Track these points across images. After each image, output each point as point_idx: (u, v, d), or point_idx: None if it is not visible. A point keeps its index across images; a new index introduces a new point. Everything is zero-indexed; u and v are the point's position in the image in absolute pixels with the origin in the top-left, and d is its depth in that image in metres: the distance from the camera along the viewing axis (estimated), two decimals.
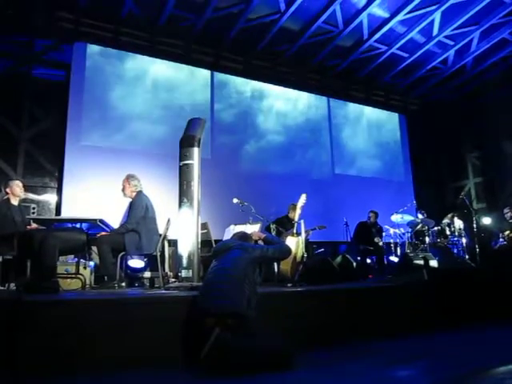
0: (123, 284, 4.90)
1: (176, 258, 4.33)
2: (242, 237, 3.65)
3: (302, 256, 5.16)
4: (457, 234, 7.60)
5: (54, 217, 6.97)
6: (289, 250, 3.69)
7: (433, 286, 4.47)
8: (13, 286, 4.40)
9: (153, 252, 4.90)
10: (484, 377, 2.66)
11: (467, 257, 7.36)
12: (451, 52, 9.60)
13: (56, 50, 8.05)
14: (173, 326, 3.02)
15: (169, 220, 5.06)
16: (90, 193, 7.13)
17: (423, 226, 7.72)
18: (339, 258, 5.76)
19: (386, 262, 7.68)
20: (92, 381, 2.62)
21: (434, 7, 8.16)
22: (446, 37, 9.06)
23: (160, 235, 5.01)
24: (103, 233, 4.84)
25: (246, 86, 9.43)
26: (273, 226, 6.19)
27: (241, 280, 3.05)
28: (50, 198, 7.63)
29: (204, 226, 5.35)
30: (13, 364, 2.61)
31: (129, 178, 5.06)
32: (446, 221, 7.92)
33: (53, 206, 7.61)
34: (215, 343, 2.77)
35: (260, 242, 3.80)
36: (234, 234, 3.77)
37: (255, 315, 3.02)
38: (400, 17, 8.30)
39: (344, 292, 4.11)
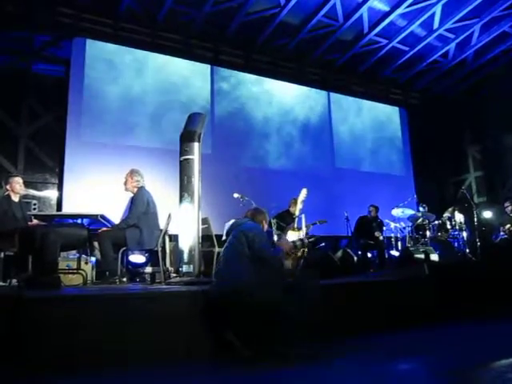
0: (124, 279, 4.90)
1: (177, 252, 4.35)
2: (252, 214, 3.60)
3: (303, 250, 5.16)
4: (457, 227, 7.58)
5: (54, 213, 6.97)
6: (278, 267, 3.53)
7: (433, 280, 4.49)
8: (14, 282, 4.42)
9: (154, 247, 4.91)
10: (485, 370, 2.67)
11: (468, 251, 7.35)
12: (452, 45, 9.56)
13: (55, 45, 8.01)
14: (174, 320, 3.04)
15: (170, 215, 5.07)
16: (91, 188, 7.12)
17: (424, 220, 7.71)
18: (340, 253, 5.77)
19: (386, 257, 7.68)
20: (93, 376, 2.63)
21: (434, 0, 8.12)
22: (446, 30, 9.02)
23: (161, 230, 5.02)
24: (104, 228, 4.85)
25: (246, 80, 9.39)
26: (274, 221, 6.16)
27: (240, 255, 3.15)
28: (51, 193, 7.62)
29: (205, 220, 5.35)
30: (14, 360, 2.62)
31: (133, 172, 5.07)
32: (446, 215, 7.90)
33: (54, 201, 7.60)
34: (219, 332, 2.88)
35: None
36: (248, 211, 3.70)
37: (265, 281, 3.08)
38: (400, 10, 8.26)
39: (344, 286, 4.12)
